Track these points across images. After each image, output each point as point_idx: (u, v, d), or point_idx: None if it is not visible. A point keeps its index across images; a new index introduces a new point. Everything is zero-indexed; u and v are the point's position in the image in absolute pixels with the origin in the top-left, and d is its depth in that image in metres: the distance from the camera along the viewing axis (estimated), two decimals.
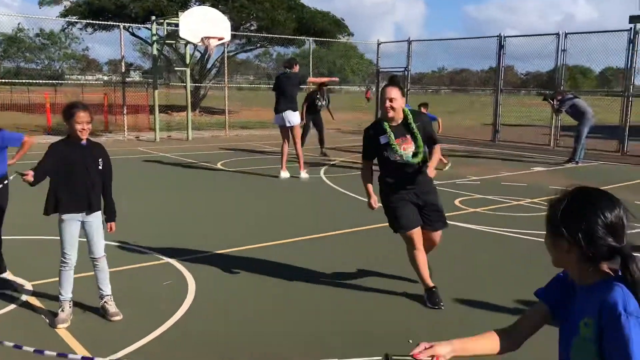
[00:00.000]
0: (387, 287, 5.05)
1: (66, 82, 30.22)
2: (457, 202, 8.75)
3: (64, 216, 4.15)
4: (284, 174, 10.83)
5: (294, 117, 10.71)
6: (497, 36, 17.90)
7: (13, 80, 21.90)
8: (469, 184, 10.49)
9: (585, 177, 11.28)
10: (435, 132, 4.88)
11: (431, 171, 4.66)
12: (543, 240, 1.78)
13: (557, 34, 16.53)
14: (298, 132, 10.98)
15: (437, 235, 4.82)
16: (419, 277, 4.71)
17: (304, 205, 8.79)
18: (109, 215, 4.40)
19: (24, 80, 23.35)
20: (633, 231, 1.69)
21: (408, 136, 4.54)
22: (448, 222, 4.94)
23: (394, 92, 4.47)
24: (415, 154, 4.54)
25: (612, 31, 15.97)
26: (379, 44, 22.17)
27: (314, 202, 8.94)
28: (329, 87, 14.22)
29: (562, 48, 16.44)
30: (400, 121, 4.57)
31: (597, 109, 14.18)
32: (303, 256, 6.00)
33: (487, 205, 8.54)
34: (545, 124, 18.82)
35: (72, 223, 4.16)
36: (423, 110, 13.09)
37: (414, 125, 4.55)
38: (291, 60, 11.63)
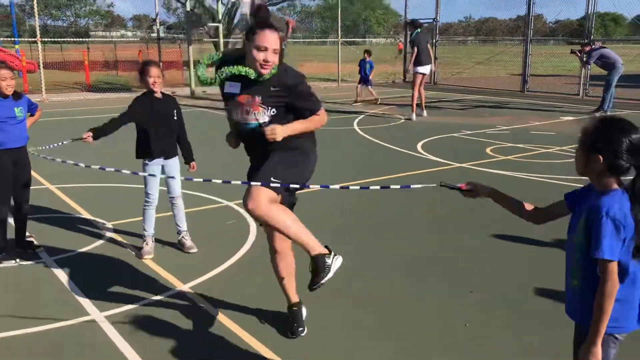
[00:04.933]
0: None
1: (96, 39, 30.65)
2: (488, 150, 9.16)
3: (148, 161, 4.71)
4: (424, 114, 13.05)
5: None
6: None
7: (49, 39, 22.37)
8: (499, 133, 10.85)
9: None
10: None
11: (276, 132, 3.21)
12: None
13: None
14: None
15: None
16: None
17: (342, 154, 9.23)
18: (189, 157, 4.97)
19: (58, 39, 23.83)
20: None
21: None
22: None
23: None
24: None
25: None
26: None
27: (350, 152, 9.39)
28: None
29: None
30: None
31: (627, 58, 14.23)
32: (351, 201, 6.53)
33: (517, 153, 8.93)
34: (574, 74, 18.84)
35: (155, 167, 4.73)
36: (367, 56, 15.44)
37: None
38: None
